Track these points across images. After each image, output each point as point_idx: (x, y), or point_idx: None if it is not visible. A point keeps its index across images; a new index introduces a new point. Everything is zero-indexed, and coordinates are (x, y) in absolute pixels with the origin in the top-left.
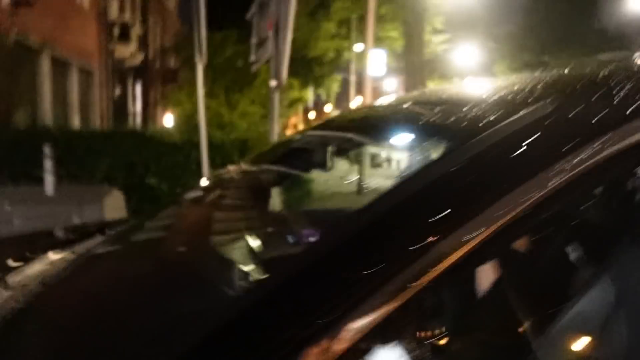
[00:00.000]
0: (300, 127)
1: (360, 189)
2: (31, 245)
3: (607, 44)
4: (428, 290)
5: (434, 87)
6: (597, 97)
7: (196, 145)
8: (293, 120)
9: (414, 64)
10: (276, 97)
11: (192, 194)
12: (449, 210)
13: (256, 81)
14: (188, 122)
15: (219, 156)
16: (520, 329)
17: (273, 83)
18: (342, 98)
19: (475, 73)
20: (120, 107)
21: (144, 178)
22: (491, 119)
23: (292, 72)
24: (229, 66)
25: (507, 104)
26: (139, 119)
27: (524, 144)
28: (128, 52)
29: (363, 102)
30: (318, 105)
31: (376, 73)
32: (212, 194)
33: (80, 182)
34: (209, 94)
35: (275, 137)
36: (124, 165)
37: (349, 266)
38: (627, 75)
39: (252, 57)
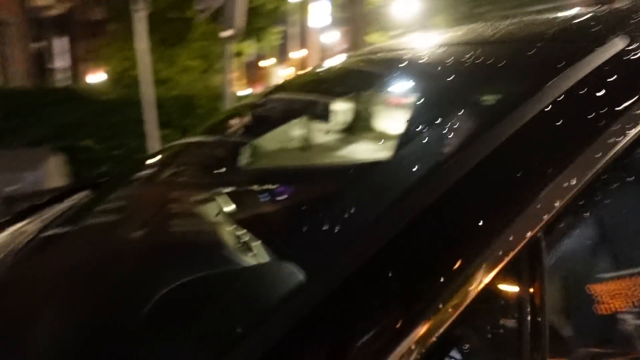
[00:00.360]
0: (243, 82)
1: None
2: None
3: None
4: None
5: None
6: None
7: (134, 104)
8: (235, 74)
9: (358, 15)
10: (229, 49)
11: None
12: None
13: (194, 34)
14: (121, 79)
15: (160, 114)
16: None
17: (227, 33)
18: (283, 51)
19: (414, 26)
20: (43, 63)
21: (78, 140)
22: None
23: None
24: (162, 18)
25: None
26: (65, 76)
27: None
28: None
29: (309, 56)
30: (259, 60)
31: (320, 24)
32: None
33: (9, 147)
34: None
35: (228, 93)
36: (53, 127)
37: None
38: None
39: (199, 5)
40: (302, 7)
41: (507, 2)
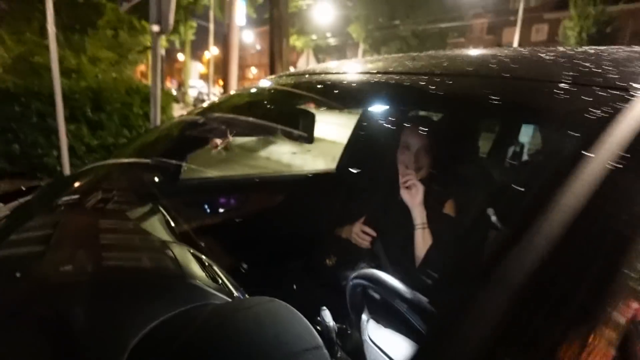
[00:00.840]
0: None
1: None
2: None
3: (446, 14)
4: None
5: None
6: None
7: (36, 94)
8: (142, 67)
9: (279, 16)
10: (158, 45)
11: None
12: None
13: (100, 21)
14: (18, 66)
15: (68, 107)
16: None
17: (155, 28)
18: (197, 47)
19: (331, 31)
20: None
21: None
22: None
23: (143, 14)
24: (66, 1)
25: None
26: None
27: None
28: None
29: (228, 54)
30: (170, 54)
31: (239, 22)
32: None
33: None
34: (41, 33)
35: (157, 91)
36: None
37: None
38: None
39: None
40: (222, 4)
41: (418, 17)
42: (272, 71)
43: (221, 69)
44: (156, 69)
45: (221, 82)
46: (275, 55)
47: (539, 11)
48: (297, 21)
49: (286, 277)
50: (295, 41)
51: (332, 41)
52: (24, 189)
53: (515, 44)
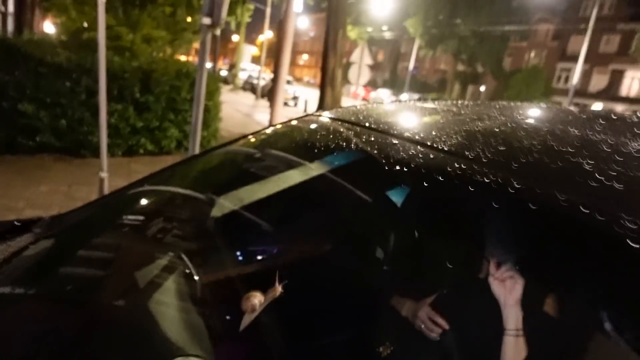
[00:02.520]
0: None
1: None
2: None
3: (510, 16)
4: None
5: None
6: None
7: (87, 71)
8: (197, 46)
9: (337, 4)
10: (207, 39)
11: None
12: None
13: None
14: (75, 38)
15: (116, 86)
16: None
17: (206, 21)
18: (252, 29)
19: (387, 23)
20: None
21: (16, 103)
22: None
23: None
24: None
25: None
26: (9, 25)
27: None
28: None
29: (282, 40)
30: (225, 34)
31: (297, 9)
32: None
33: None
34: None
35: (202, 83)
36: None
37: None
38: None
39: None
40: None
41: (479, 17)
42: (324, 61)
43: (274, 52)
44: (203, 62)
45: (271, 68)
46: (329, 45)
47: (612, 21)
48: (354, 11)
49: (322, 355)
50: (350, 32)
51: (387, 34)
52: (17, 224)
53: (583, 53)
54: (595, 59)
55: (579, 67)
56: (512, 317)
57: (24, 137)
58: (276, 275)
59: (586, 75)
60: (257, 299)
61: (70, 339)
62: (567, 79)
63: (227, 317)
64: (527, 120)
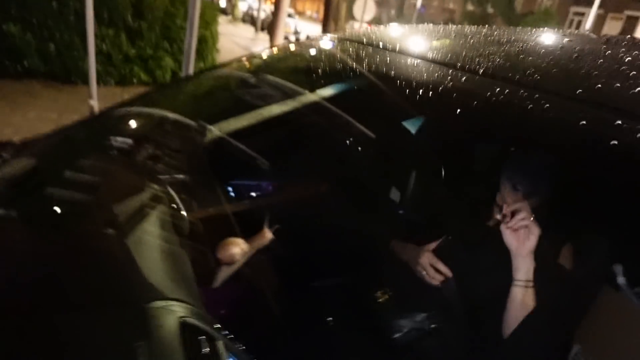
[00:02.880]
0: None
1: None
2: None
3: None
4: None
5: None
6: None
7: None
8: None
9: None
10: None
11: None
12: None
13: None
14: None
15: (106, 10)
16: None
17: None
18: None
19: None
20: None
21: (0, 24)
22: None
23: None
24: None
25: None
26: None
27: None
28: None
29: None
30: None
31: None
32: None
33: None
34: None
35: (196, 5)
36: None
37: None
38: None
39: None
40: None
41: None
42: None
43: None
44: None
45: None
46: None
47: None
48: None
49: (317, 299)
50: None
51: None
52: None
53: None
54: (609, 4)
55: (593, 12)
56: (523, 268)
57: (11, 61)
58: (266, 220)
59: (599, 21)
60: (237, 248)
61: (35, 270)
62: (579, 24)
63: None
64: (553, 45)
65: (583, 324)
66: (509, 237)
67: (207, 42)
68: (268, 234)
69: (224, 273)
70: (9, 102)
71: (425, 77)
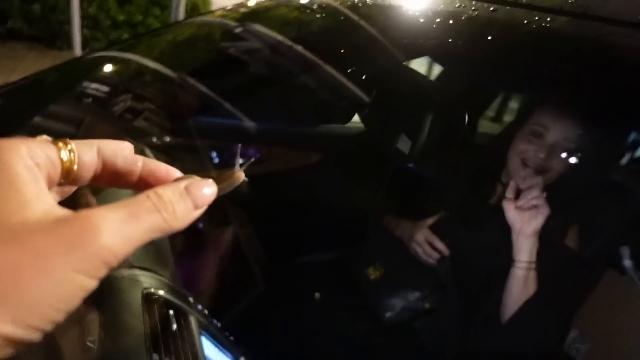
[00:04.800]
0: None
1: None
2: None
3: None
4: None
5: None
6: None
7: None
8: None
9: None
10: None
11: None
12: None
13: None
14: None
15: None
16: None
17: None
18: None
19: None
20: None
21: None
22: None
23: None
24: None
25: None
26: None
27: None
28: None
29: None
30: None
31: None
32: None
33: None
34: None
35: None
36: None
37: None
38: None
39: None
40: None
41: None
42: None
43: None
44: None
45: None
46: None
47: None
48: None
49: (303, 275)
50: None
51: None
52: None
53: None
54: None
55: None
56: (526, 248)
57: None
58: (236, 157)
59: None
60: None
61: None
62: None
63: (198, 226)
64: None
65: (584, 307)
66: (513, 216)
67: (198, 9)
68: (239, 174)
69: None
70: None
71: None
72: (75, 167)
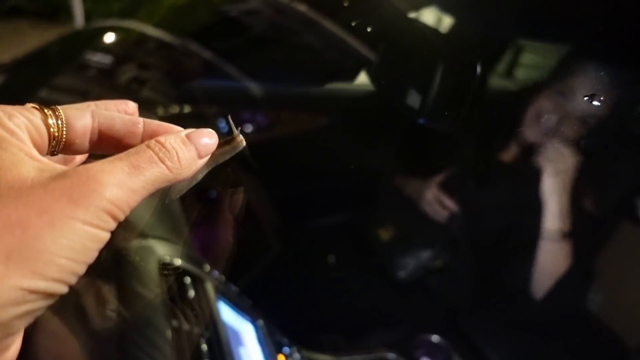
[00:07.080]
0: None
1: None
2: None
3: None
4: None
5: None
6: None
7: None
8: None
9: None
10: None
11: None
12: None
13: None
14: None
15: None
16: None
17: None
18: None
19: None
20: None
21: None
22: None
23: None
24: None
25: None
26: None
27: None
28: None
29: None
30: None
31: None
32: None
33: None
34: None
35: None
36: None
37: None
38: None
39: None
40: None
41: None
42: None
43: None
44: None
45: None
46: None
47: None
48: None
49: (317, 238)
50: None
51: None
52: None
53: None
54: None
55: None
56: (558, 212)
57: None
58: (229, 120)
59: None
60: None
61: None
62: None
63: (211, 194)
64: None
65: (598, 259)
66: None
67: None
68: (239, 138)
69: (180, 185)
70: None
71: None
72: (64, 133)
